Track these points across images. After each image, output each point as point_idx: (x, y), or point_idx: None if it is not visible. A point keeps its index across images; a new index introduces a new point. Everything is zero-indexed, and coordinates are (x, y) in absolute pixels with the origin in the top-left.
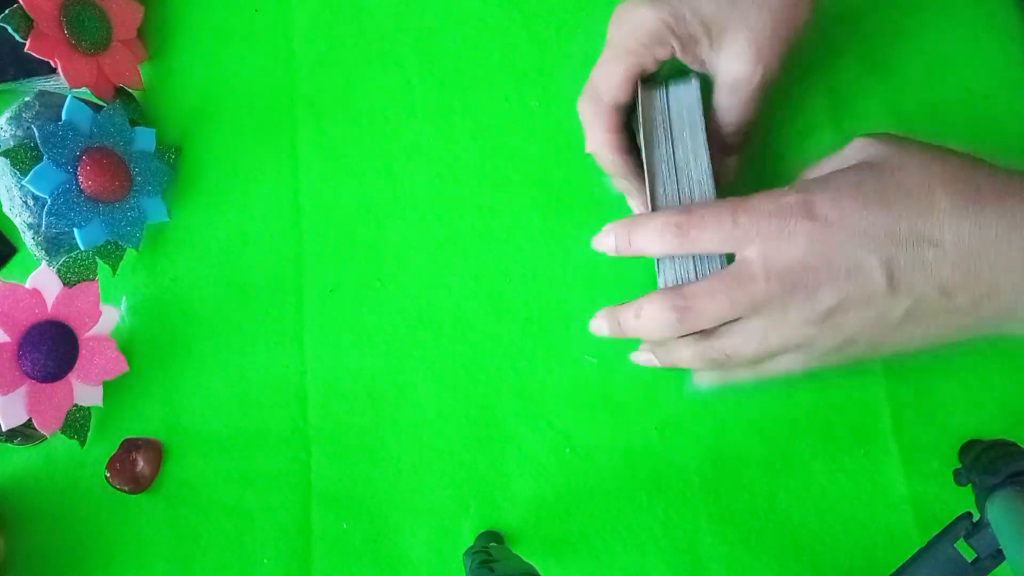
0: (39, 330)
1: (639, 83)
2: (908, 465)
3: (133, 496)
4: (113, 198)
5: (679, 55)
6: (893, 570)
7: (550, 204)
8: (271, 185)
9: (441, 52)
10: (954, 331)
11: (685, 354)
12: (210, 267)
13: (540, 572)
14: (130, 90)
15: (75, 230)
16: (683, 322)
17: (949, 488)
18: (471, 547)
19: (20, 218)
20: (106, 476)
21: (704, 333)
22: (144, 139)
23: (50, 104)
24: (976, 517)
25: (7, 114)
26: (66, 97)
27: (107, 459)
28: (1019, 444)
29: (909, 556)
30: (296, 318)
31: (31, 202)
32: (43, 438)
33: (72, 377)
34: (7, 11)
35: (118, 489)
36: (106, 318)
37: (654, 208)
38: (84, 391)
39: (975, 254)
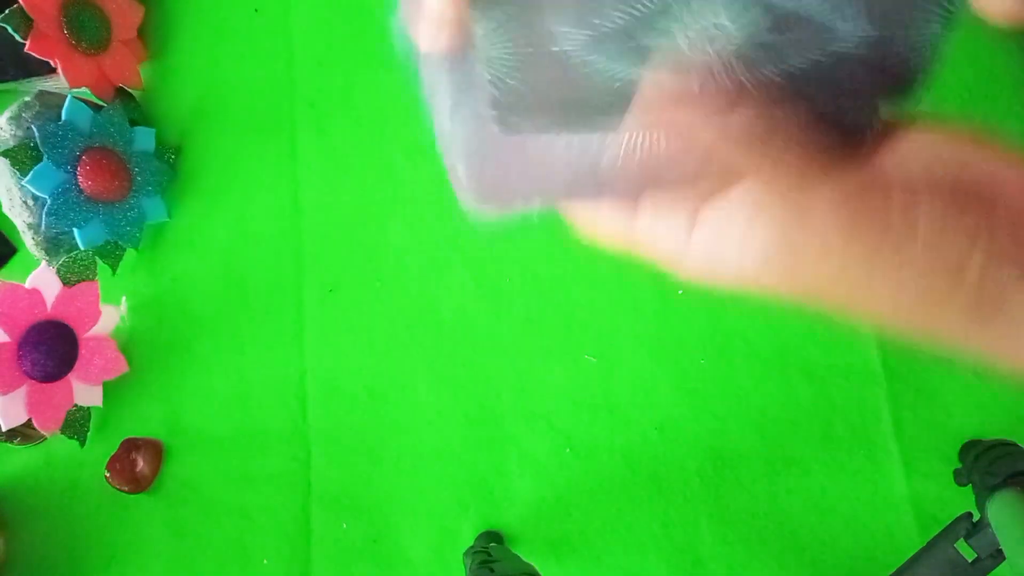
0: (39, 330)
1: None
2: (908, 465)
3: (133, 496)
4: (113, 198)
5: None
6: (893, 570)
7: None
8: (271, 185)
9: None
10: None
11: None
12: (210, 267)
13: (540, 572)
14: (130, 90)
15: (75, 230)
16: None
17: (949, 488)
18: (471, 547)
19: (20, 218)
20: (106, 476)
21: None
22: (144, 139)
23: (50, 104)
24: (976, 517)
25: (7, 114)
26: (66, 97)
27: (107, 459)
28: (1019, 444)
29: (909, 556)
30: (296, 318)
31: (31, 202)
32: (43, 438)
33: (72, 377)
34: (7, 11)
35: (118, 489)
36: (106, 318)
37: None
38: (84, 391)
39: None
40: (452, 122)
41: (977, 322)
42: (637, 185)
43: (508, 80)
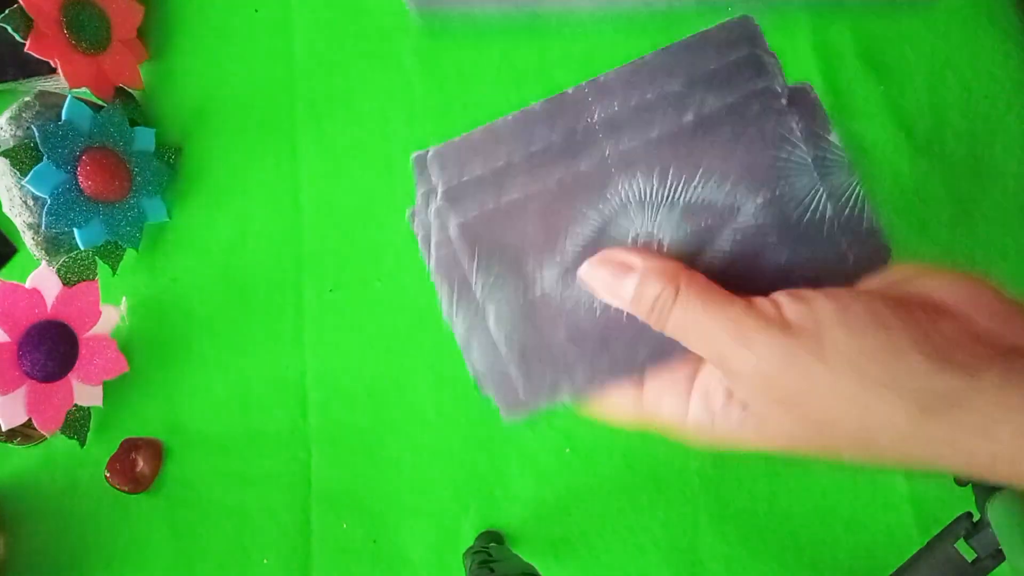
0: (39, 330)
1: None
2: None
3: (133, 496)
4: (113, 198)
5: None
6: (893, 570)
7: None
8: (271, 185)
9: (441, 52)
10: None
11: None
12: (210, 267)
13: (540, 572)
14: (130, 90)
15: (75, 230)
16: None
17: (949, 488)
18: (471, 547)
19: (20, 218)
20: (106, 476)
21: None
22: (144, 139)
23: (50, 104)
24: (976, 517)
25: (7, 114)
26: (66, 97)
27: (107, 459)
28: None
29: (909, 556)
30: (296, 318)
31: (31, 202)
32: (43, 438)
33: (72, 377)
34: (7, 11)
35: (118, 489)
36: (106, 318)
37: None
38: (84, 391)
39: None
40: (469, 347)
41: (934, 429)
42: (640, 363)
43: (514, 338)
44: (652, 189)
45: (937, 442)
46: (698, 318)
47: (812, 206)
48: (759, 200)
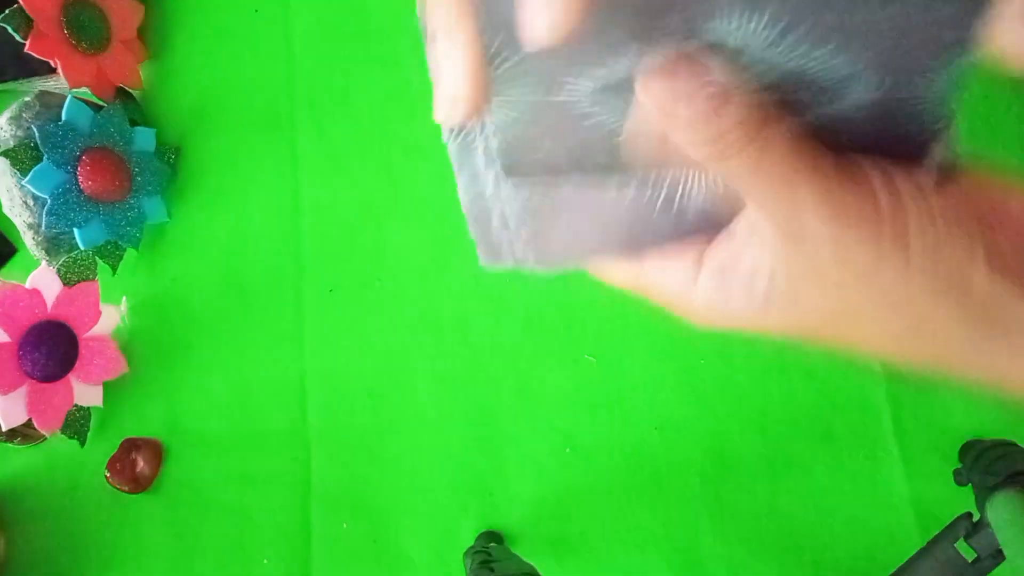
0: (39, 330)
1: None
2: (908, 465)
3: (133, 496)
4: (113, 198)
5: None
6: (893, 570)
7: None
8: (271, 185)
9: None
10: None
11: None
12: (210, 267)
13: (540, 572)
14: (130, 90)
15: (75, 230)
16: None
17: (949, 488)
18: (471, 547)
19: (20, 218)
20: (106, 476)
21: None
22: (144, 139)
23: (50, 104)
24: (976, 517)
25: (7, 114)
26: (66, 97)
27: (107, 459)
28: (1019, 444)
29: (909, 556)
30: (296, 318)
31: (31, 202)
32: (43, 438)
33: (72, 377)
34: (7, 11)
35: (118, 489)
36: (106, 318)
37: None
38: (84, 391)
39: None
40: (460, 172)
41: (981, 342)
42: (651, 235)
43: (513, 125)
44: (763, 38)
45: (987, 355)
46: (783, 161)
47: (927, 117)
48: (876, 95)
